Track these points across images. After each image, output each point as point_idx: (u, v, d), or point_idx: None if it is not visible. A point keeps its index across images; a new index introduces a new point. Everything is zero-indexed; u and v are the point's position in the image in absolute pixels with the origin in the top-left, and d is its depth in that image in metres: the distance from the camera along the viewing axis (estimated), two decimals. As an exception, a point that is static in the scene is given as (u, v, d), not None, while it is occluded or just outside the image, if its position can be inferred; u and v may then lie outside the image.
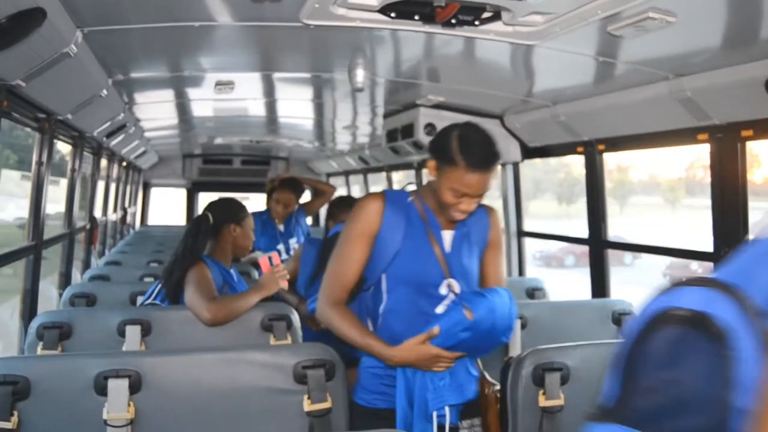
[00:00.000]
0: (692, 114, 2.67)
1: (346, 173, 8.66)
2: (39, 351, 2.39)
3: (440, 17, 2.13)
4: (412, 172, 6.31)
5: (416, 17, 2.15)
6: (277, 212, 4.92)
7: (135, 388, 1.83)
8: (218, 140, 7.40)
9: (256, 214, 3.82)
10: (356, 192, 8.72)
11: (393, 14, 2.11)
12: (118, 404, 1.80)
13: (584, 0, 1.94)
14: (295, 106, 4.72)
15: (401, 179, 7.42)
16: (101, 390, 1.80)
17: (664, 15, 1.91)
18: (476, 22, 2.18)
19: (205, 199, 9.88)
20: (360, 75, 2.89)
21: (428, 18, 2.15)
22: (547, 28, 2.20)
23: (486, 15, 2.16)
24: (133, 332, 2.51)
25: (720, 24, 2.09)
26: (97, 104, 3.42)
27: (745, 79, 2.35)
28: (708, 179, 2.81)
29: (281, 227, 4.91)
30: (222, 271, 2.83)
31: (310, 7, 2.07)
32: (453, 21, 2.15)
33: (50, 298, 4.34)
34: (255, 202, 10.15)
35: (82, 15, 2.22)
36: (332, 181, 9.72)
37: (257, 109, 4.83)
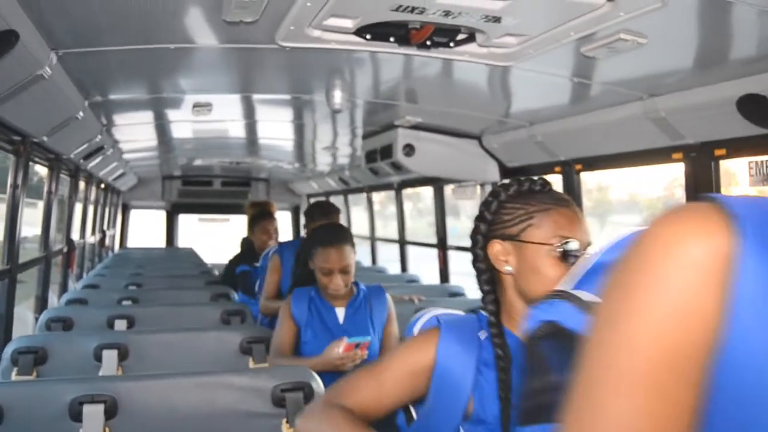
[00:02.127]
0: (666, 133, 2.71)
1: (327, 194, 8.66)
2: (13, 377, 2.34)
3: (415, 39, 2.14)
4: (392, 193, 6.33)
5: (391, 39, 2.17)
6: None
7: (111, 413, 1.81)
8: (198, 162, 7.38)
9: (285, 245, 3.83)
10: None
11: (368, 36, 2.12)
12: (93, 430, 1.77)
13: (557, 22, 1.97)
14: (275, 127, 4.73)
15: (382, 200, 7.44)
16: (76, 416, 1.78)
17: (635, 36, 1.94)
18: (451, 44, 2.20)
19: (184, 221, 9.83)
20: (338, 96, 2.91)
21: (403, 40, 2.16)
22: (521, 49, 2.22)
23: (461, 37, 2.19)
24: (109, 357, 2.48)
25: (691, 45, 2.12)
26: (73, 126, 3.40)
27: (717, 98, 2.39)
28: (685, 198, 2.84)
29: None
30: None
31: (285, 29, 2.07)
32: (428, 43, 2.17)
33: (27, 322, 4.28)
34: (235, 223, 10.12)
35: (57, 37, 2.21)
36: (313, 202, 9.70)
37: (237, 130, 4.83)
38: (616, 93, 2.68)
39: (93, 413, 1.77)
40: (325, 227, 2.78)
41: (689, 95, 2.50)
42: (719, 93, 2.37)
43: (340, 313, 2.69)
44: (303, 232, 4.45)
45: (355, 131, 4.60)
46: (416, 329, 1.54)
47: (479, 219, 1.44)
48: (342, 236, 2.65)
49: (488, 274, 1.43)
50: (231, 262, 5.20)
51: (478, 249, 1.43)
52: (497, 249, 1.38)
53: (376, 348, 2.64)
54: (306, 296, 2.70)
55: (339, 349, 2.41)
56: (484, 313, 1.43)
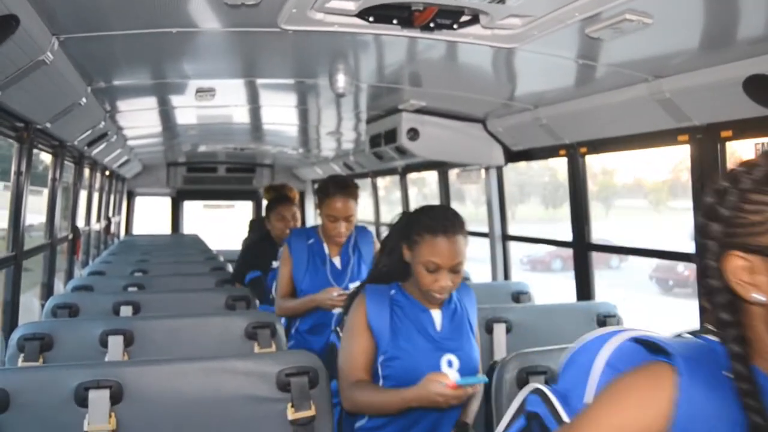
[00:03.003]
0: (672, 115, 2.68)
1: (332, 179, 8.62)
2: (20, 363, 2.35)
3: (418, 21, 2.12)
4: (397, 178, 6.31)
5: (394, 21, 2.15)
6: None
7: (116, 398, 1.81)
8: (202, 148, 7.37)
9: (294, 233, 3.40)
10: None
11: (371, 18, 2.10)
12: (99, 415, 1.77)
13: (562, 2, 1.94)
14: (280, 112, 4.71)
15: (387, 185, 7.42)
16: (82, 401, 1.78)
17: (641, 16, 1.92)
18: (455, 26, 2.18)
19: (189, 207, 9.85)
20: (341, 80, 2.89)
21: (406, 22, 2.14)
22: (525, 31, 2.20)
23: (464, 18, 2.16)
24: (115, 342, 2.48)
25: (697, 25, 2.10)
26: (76, 113, 3.39)
27: (724, 79, 2.37)
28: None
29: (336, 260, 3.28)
30: None
31: (287, 12, 2.06)
32: (431, 25, 2.15)
33: (34, 309, 4.29)
34: (240, 210, 10.13)
35: (58, 22, 2.20)
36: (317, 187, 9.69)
37: (241, 116, 4.81)
38: (621, 74, 2.66)
39: (99, 398, 1.78)
40: (434, 210, 2.15)
41: (695, 76, 2.47)
42: (725, 74, 2.35)
43: (437, 317, 2.18)
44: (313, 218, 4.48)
45: (359, 116, 4.58)
46: (601, 362, 1.06)
47: (711, 216, 0.95)
48: (458, 224, 2.10)
49: (727, 296, 0.93)
50: (241, 260, 4.40)
51: (711, 260, 0.94)
52: (739, 265, 0.91)
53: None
54: (384, 297, 2.17)
55: (441, 386, 1.89)
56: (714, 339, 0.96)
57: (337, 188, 3.07)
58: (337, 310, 2.93)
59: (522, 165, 4.48)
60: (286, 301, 3.18)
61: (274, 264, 4.02)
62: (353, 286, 2.69)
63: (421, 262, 2.06)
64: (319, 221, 3.28)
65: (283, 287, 3.19)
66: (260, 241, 4.40)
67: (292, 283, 3.18)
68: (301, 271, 3.16)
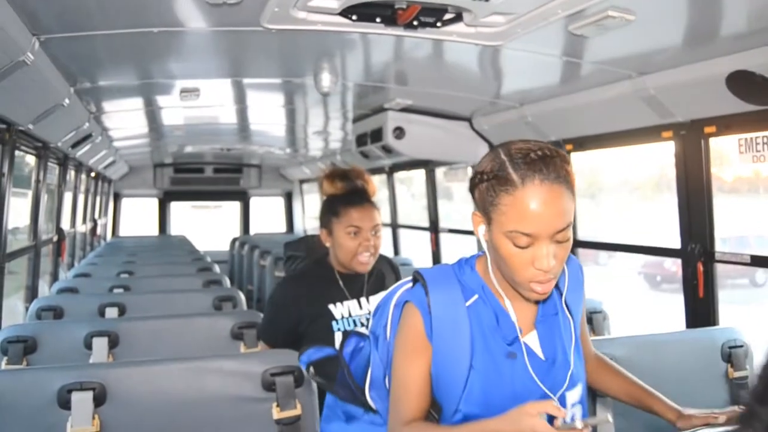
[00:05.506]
0: (656, 112, 2.70)
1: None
2: (3, 366, 2.33)
3: (402, 19, 2.12)
4: (384, 177, 6.31)
5: (378, 20, 2.14)
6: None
7: (100, 400, 1.79)
8: (189, 149, 7.35)
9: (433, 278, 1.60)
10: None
11: (354, 17, 2.10)
12: (82, 418, 1.76)
13: (544, 0, 1.95)
14: (267, 112, 4.70)
15: (377, 184, 7.41)
16: (65, 403, 1.76)
17: (623, 13, 1.92)
18: (438, 24, 2.18)
19: (177, 208, 9.83)
20: (326, 79, 2.89)
21: (390, 20, 2.14)
22: (509, 28, 2.20)
23: (448, 16, 2.16)
24: (100, 344, 2.47)
25: (679, 22, 2.11)
26: (59, 114, 3.36)
27: (707, 75, 2.38)
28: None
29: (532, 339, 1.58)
30: None
31: (270, 11, 2.05)
32: (414, 23, 2.15)
33: (19, 313, 4.25)
34: (228, 210, 10.10)
35: (39, 22, 2.18)
36: (305, 187, 9.70)
37: (228, 116, 4.80)
38: (605, 72, 2.67)
39: (82, 400, 1.76)
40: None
41: (679, 73, 2.48)
42: (708, 70, 2.36)
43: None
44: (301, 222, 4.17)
45: (346, 115, 4.58)
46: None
47: None
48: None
49: None
50: (272, 311, 2.39)
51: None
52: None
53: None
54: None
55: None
56: None
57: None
58: None
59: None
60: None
61: (337, 312, 2.33)
62: (577, 412, 1.44)
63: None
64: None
65: (410, 402, 1.44)
66: (308, 276, 2.41)
67: (430, 392, 1.44)
68: (457, 367, 1.40)
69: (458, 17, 2.18)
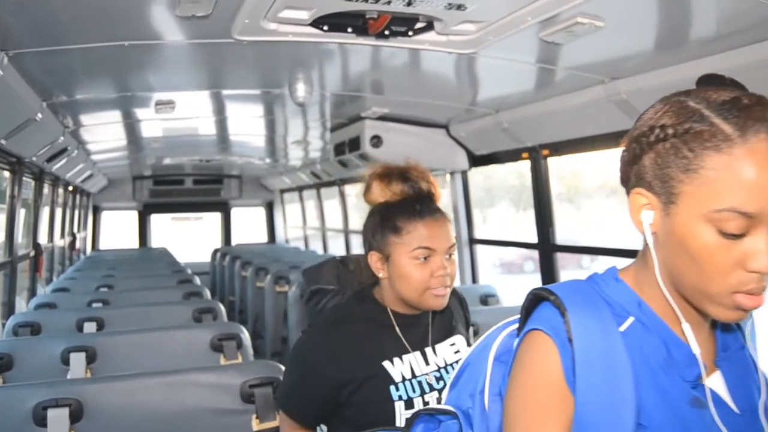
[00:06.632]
0: (628, 116, 2.72)
1: (300, 189, 8.63)
2: (-21, 384, 2.31)
3: (373, 29, 2.13)
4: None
5: (349, 30, 2.15)
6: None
7: (76, 417, 1.78)
8: (168, 161, 7.31)
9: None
10: (311, 208, 8.67)
11: (325, 27, 2.10)
12: (58, 435, 1.74)
13: (514, 7, 1.96)
14: (246, 123, 4.68)
15: (358, 192, 7.42)
16: (40, 421, 1.75)
17: (592, 20, 1.94)
18: (409, 33, 2.19)
19: (157, 221, 9.77)
20: (301, 89, 2.89)
21: (361, 30, 2.15)
22: (481, 36, 2.22)
23: (419, 25, 2.18)
24: (77, 360, 2.45)
25: (649, 27, 2.13)
26: (32, 128, 3.32)
27: (678, 79, 2.40)
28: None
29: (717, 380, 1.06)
30: None
31: (240, 22, 2.05)
32: (386, 32, 2.16)
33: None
34: (209, 222, 10.05)
35: (7, 37, 2.16)
36: (286, 197, 9.68)
37: (206, 127, 4.78)
38: (578, 77, 2.69)
39: (57, 417, 1.75)
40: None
41: (650, 77, 2.51)
42: (679, 74, 2.38)
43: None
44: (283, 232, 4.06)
45: (325, 124, 4.57)
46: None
47: None
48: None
49: None
50: (297, 375, 1.69)
51: None
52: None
53: None
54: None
55: None
56: None
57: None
58: None
59: (493, 168, 4.50)
60: None
61: (396, 373, 1.67)
62: None
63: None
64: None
65: None
66: (350, 321, 1.71)
67: None
68: (617, 428, 0.88)
69: (429, 26, 2.19)
